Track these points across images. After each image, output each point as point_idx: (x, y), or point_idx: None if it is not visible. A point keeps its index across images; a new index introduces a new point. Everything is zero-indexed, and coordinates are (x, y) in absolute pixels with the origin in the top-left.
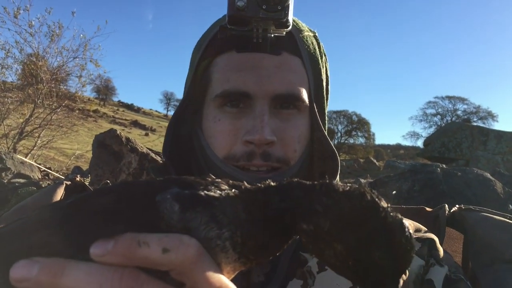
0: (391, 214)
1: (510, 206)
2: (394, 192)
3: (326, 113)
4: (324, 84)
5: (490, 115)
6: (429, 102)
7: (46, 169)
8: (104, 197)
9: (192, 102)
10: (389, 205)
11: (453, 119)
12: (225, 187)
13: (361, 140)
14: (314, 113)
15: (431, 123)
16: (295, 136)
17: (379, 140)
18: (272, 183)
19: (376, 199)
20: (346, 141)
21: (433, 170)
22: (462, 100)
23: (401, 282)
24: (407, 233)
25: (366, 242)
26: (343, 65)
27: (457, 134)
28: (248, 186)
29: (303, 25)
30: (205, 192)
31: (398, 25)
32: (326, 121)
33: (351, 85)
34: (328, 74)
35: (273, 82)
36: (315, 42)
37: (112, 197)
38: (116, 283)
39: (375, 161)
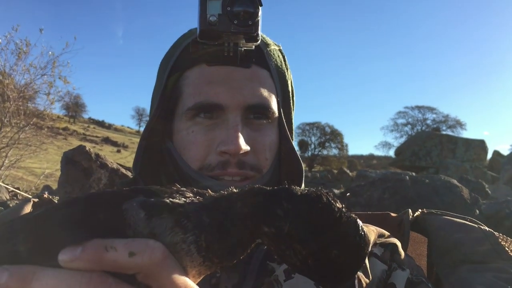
0: (346, 214)
1: (477, 211)
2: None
3: (293, 124)
4: (292, 97)
5: (458, 124)
6: (399, 112)
7: (14, 189)
8: (70, 207)
9: (161, 116)
10: (343, 206)
11: (423, 128)
12: (189, 194)
13: (335, 151)
14: (282, 124)
15: (402, 132)
16: (266, 144)
17: (352, 150)
18: (234, 190)
19: (332, 201)
20: (319, 153)
21: (402, 178)
22: (431, 109)
23: (364, 283)
24: (360, 231)
25: (324, 241)
26: (314, 77)
27: (427, 143)
28: (212, 193)
29: (269, 40)
30: (170, 199)
31: (366, 35)
32: (293, 132)
33: (323, 97)
34: (293, 87)
35: (244, 94)
36: (280, 56)
37: (79, 207)
38: (84, 286)
39: (348, 171)
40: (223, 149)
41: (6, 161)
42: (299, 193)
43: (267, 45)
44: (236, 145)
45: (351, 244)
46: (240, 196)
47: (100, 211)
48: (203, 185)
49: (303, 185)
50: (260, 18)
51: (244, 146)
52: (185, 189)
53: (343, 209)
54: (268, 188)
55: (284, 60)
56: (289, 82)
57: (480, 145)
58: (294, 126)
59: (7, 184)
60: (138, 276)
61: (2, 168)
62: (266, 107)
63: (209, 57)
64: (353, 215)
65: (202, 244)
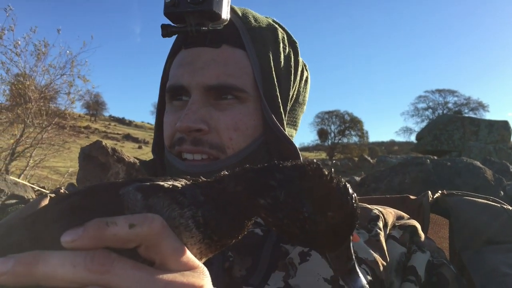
0: (336, 178)
1: (501, 192)
2: (332, 169)
3: (283, 104)
4: (278, 75)
5: (480, 106)
6: (420, 96)
7: (40, 189)
8: (70, 198)
9: (162, 102)
10: (332, 170)
11: (445, 112)
12: (183, 179)
13: (355, 139)
14: (264, 104)
15: (423, 117)
16: (229, 124)
17: (373, 137)
18: (226, 172)
19: (321, 167)
20: (340, 141)
21: (423, 162)
22: (452, 92)
23: (381, 265)
24: (351, 193)
25: (319, 204)
26: (332, 65)
27: (449, 127)
28: (205, 179)
29: (258, 19)
30: (165, 182)
31: (384, 21)
32: (284, 114)
33: (341, 85)
34: (293, 63)
35: (205, 74)
36: (267, 33)
37: (78, 196)
38: (88, 262)
39: (369, 158)
40: (175, 127)
41: (31, 161)
42: (289, 164)
43: (247, 23)
44: (182, 121)
45: (344, 205)
46: (232, 176)
47: (98, 198)
48: (172, 165)
49: None
50: None
51: (192, 124)
52: (179, 177)
53: (332, 174)
54: (259, 165)
55: (274, 37)
56: (277, 59)
57: (504, 126)
58: (289, 109)
59: (33, 184)
60: (140, 250)
61: (27, 168)
62: (229, 87)
63: (186, 41)
64: (343, 179)
65: (200, 220)
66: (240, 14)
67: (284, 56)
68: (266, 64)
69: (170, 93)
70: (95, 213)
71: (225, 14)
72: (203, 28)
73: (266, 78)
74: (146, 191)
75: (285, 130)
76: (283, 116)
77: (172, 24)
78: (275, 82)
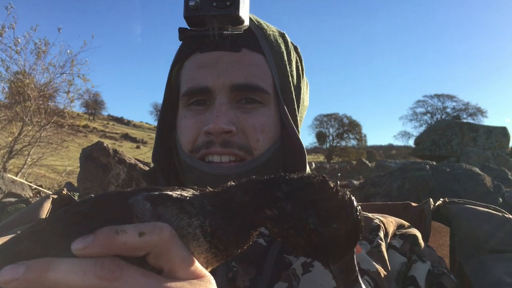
0: (341, 191)
1: (500, 199)
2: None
3: (297, 108)
4: (292, 79)
5: (479, 111)
6: (418, 101)
7: (37, 187)
8: (80, 206)
9: (168, 108)
10: (337, 183)
11: (443, 117)
12: (190, 189)
13: (353, 142)
14: (282, 107)
15: (421, 122)
16: (256, 125)
17: (371, 141)
18: (233, 183)
19: (326, 180)
20: (338, 144)
21: (422, 167)
22: (451, 97)
23: (382, 275)
24: (356, 205)
25: (324, 216)
26: (331, 68)
27: (447, 132)
28: (212, 189)
29: (269, 26)
30: (173, 192)
31: (383, 25)
32: (298, 116)
33: (340, 88)
34: (301, 70)
35: (231, 74)
36: (280, 40)
37: (87, 205)
38: (98, 269)
39: (367, 162)
40: (206, 129)
41: (29, 159)
42: (295, 176)
43: (262, 29)
44: (215, 123)
45: (349, 217)
46: (239, 187)
47: (107, 207)
48: (195, 169)
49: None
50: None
51: (225, 125)
52: (186, 187)
53: (337, 186)
54: (265, 177)
55: (286, 44)
56: (291, 66)
57: (502, 132)
58: (299, 112)
59: (30, 182)
60: (149, 258)
61: (25, 166)
62: (255, 86)
63: (201, 44)
64: (347, 191)
65: (207, 229)
66: (254, 20)
67: (295, 61)
68: (283, 68)
69: (189, 97)
70: (105, 221)
71: (247, 19)
72: (225, 32)
73: (284, 82)
74: (155, 200)
75: (299, 133)
76: (298, 119)
77: (189, 28)
78: (292, 86)
